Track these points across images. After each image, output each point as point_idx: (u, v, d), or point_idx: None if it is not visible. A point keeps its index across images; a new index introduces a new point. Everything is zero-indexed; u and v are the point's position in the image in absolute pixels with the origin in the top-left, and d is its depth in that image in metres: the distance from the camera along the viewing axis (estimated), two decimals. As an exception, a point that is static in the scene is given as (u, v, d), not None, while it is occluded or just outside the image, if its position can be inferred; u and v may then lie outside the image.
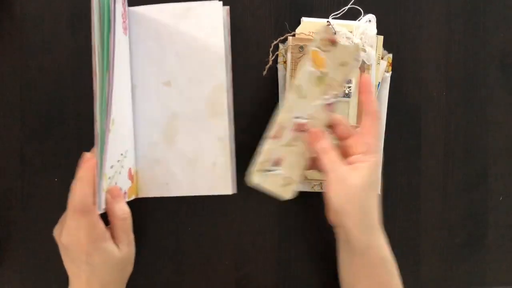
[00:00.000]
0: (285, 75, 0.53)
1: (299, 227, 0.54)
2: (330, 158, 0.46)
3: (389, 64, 0.55)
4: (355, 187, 0.44)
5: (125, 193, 0.47)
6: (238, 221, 0.53)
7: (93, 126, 0.40)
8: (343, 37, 0.52)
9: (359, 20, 0.53)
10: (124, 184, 0.47)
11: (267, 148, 0.48)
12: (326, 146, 0.46)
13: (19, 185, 0.49)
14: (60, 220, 0.45)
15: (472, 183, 0.58)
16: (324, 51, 0.47)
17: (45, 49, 0.48)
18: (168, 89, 0.49)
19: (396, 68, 0.56)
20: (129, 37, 0.49)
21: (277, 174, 0.48)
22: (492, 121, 0.58)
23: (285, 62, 0.53)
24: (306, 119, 0.47)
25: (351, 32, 0.52)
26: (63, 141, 0.51)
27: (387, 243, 0.47)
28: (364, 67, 0.53)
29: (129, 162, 0.48)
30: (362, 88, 0.48)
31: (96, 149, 0.41)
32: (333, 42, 0.47)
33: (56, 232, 0.45)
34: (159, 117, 0.50)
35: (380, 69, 0.54)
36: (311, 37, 0.52)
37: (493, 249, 0.59)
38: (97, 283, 0.44)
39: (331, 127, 0.48)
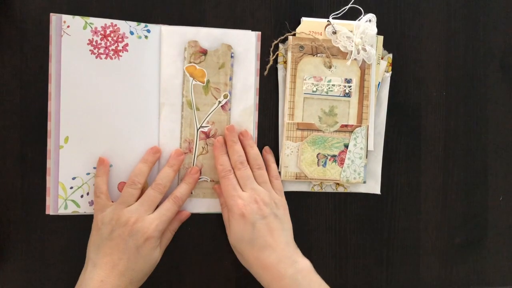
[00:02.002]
0: (285, 75, 0.53)
1: (299, 227, 0.54)
2: (221, 201, 0.51)
3: (389, 64, 0.55)
4: (231, 241, 0.49)
5: (112, 202, 0.48)
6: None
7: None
8: (343, 37, 0.52)
9: (359, 20, 0.53)
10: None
11: (183, 164, 0.51)
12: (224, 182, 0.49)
13: (19, 185, 0.49)
14: (136, 207, 0.46)
15: (472, 183, 0.58)
16: (198, 63, 0.50)
17: (45, 49, 0.48)
18: (192, 110, 0.51)
19: (396, 68, 0.56)
20: (160, 58, 0.50)
21: (203, 180, 0.51)
22: (492, 121, 0.59)
23: (285, 62, 0.53)
24: (208, 125, 0.51)
25: (351, 31, 0.52)
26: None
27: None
28: (364, 67, 0.53)
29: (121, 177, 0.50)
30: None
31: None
32: (203, 52, 0.50)
33: (127, 214, 0.45)
34: (183, 135, 0.51)
35: (380, 69, 0.54)
36: (311, 37, 0.52)
37: (493, 249, 0.59)
38: (128, 277, 0.44)
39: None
